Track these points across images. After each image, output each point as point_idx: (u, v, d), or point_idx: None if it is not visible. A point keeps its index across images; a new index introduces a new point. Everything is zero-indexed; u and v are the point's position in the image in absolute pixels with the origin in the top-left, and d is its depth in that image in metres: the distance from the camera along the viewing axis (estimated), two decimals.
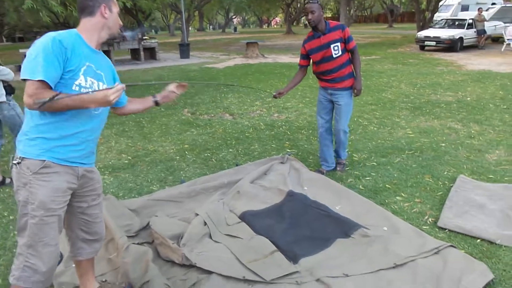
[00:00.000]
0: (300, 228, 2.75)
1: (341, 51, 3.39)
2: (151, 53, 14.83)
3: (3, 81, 3.63)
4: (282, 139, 4.83)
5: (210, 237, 2.64)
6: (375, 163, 3.94)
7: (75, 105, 1.58)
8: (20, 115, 3.74)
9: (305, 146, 4.53)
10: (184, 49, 15.02)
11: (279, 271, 2.26)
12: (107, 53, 13.95)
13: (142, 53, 14.19)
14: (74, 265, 2.39)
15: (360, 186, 3.44)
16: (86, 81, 1.67)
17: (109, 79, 1.83)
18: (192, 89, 8.26)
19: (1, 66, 3.63)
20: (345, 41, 3.40)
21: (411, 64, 11.23)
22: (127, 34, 13.84)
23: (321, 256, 2.42)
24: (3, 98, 3.61)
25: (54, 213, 1.68)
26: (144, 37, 14.44)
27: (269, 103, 6.77)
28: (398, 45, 17.34)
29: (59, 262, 2.38)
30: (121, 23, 1.84)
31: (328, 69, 3.47)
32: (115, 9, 1.78)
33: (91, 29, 1.73)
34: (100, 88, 1.72)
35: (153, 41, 14.69)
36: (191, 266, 2.32)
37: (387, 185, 3.44)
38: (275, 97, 3.57)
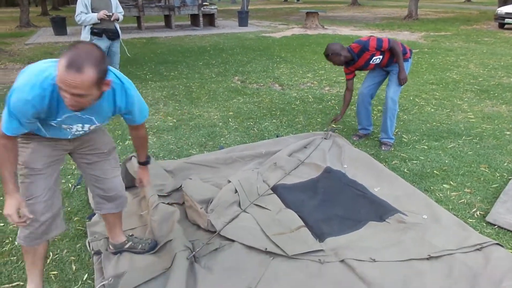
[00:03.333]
0: (332, 206, 2.64)
1: (381, 54, 3.40)
2: (210, 19, 14.85)
3: (94, 26, 4.42)
4: (329, 113, 4.64)
5: (239, 205, 2.62)
6: (425, 147, 3.66)
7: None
8: None
9: (352, 122, 4.32)
10: (243, 17, 14.84)
11: (302, 247, 2.19)
12: (167, 18, 14.20)
13: (201, 19, 14.24)
14: None
15: (405, 170, 3.22)
16: None
17: None
18: (245, 57, 8.19)
19: (86, 14, 4.31)
20: (377, 49, 3.34)
21: (486, 43, 10.20)
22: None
23: (350, 237, 2.31)
24: (86, 39, 4.40)
25: (40, 173, 1.67)
26: (204, 3, 14.44)
27: (321, 76, 6.52)
28: (474, 21, 15.79)
29: (94, 214, 2.51)
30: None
31: (381, 67, 3.57)
32: None
33: None
34: None
35: (212, 7, 14.66)
36: (215, 232, 2.33)
37: (435, 171, 3.18)
38: (334, 123, 3.93)
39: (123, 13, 4.64)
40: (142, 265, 2.09)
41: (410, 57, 3.50)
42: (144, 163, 2.04)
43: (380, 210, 2.56)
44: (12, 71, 7.24)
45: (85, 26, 4.42)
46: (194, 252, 2.12)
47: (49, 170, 1.71)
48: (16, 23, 15.30)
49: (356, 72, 3.67)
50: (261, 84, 6.03)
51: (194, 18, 14.99)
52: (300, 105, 4.97)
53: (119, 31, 4.63)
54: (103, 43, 4.51)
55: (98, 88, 1.39)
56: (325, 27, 13.92)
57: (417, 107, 4.85)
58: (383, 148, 3.60)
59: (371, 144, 3.76)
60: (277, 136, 3.90)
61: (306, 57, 8.21)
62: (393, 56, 3.42)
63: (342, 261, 2.12)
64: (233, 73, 6.78)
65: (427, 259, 2.11)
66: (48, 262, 2.15)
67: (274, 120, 4.41)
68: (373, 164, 3.20)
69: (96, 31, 4.42)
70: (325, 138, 3.70)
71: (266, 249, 2.19)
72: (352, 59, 3.45)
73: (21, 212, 1.57)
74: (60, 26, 12.22)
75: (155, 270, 2.02)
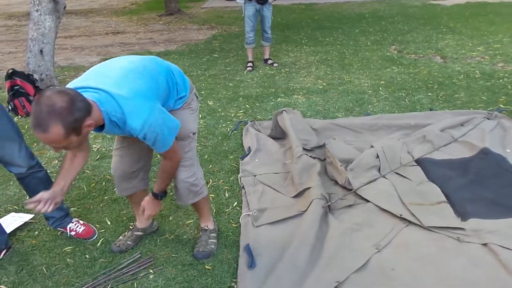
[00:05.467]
0: (483, 188, 2.42)
1: None
2: None
3: None
4: (498, 92, 4.08)
5: (379, 170, 2.63)
6: None
7: None
8: (245, 18, 4.95)
9: None
10: None
11: (441, 221, 2.12)
12: None
13: None
14: (257, 160, 2.85)
15: None
16: None
17: None
18: (405, 26, 7.64)
19: None
20: None
21: None
22: None
23: (499, 223, 2.11)
24: (241, 2, 4.90)
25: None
26: None
27: (496, 50, 5.66)
28: None
29: (246, 155, 2.88)
30: None
31: None
32: None
33: None
34: None
35: None
36: (352, 190, 2.42)
37: None
38: None
39: None
40: (281, 204, 2.36)
41: None
42: (154, 195, 1.80)
43: None
44: (191, 30, 8.36)
45: None
46: (329, 203, 2.27)
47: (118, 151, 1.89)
48: None
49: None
50: (420, 55, 5.60)
51: None
52: (463, 80, 4.49)
53: None
54: (252, 6, 4.83)
55: (75, 134, 1.32)
56: None
57: None
58: None
59: None
60: (431, 110, 3.66)
61: (480, 28, 7.18)
62: None
63: (484, 244, 1.98)
64: (390, 42, 6.44)
65: None
66: (208, 187, 2.60)
67: (429, 93, 4.12)
68: None
69: None
70: (487, 118, 3.32)
71: (401, 215, 2.20)
72: None
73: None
74: None
75: (293, 211, 2.26)
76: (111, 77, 1.45)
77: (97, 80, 1.44)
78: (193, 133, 1.84)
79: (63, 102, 1.25)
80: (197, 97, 1.89)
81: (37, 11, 4.42)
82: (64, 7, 4.73)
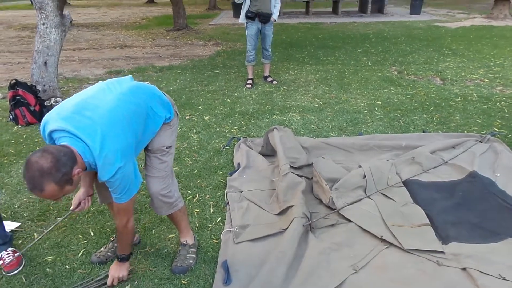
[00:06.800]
0: (467, 212, 2.41)
1: None
2: (379, 6, 14.23)
3: (249, 8, 4.87)
4: (494, 115, 4.08)
5: (365, 191, 2.64)
6: None
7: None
8: (248, 37, 5.07)
9: None
10: (416, 4, 13.71)
11: (421, 244, 2.12)
12: (335, 4, 14.21)
13: (369, 5, 13.79)
14: (244, 176, 2.86)
15: None
16: None
17: None
18: (408, 47, 7.70)
19: None
20: None
21: None
22: None
23: (480, 248, 2.10)
24: (243, 21, 4.97)
25: None
26: None
27: (496, 73, 5.67)
28: None
29: (235, 171, 2.90)
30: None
31: None
32: None
33: None
34: None
35: None
36: (335, 209, 2.43)
37: None
38: None
39: (279, 4, 4.94)
40: (264, 221, 2.37)
41: None
42: (117, 257, 1.89)
43: None
44: (196, 46, 8.51)
45: (243, 9, 4.89)
46: (310, 221, 2.28)
47: None
48: (206, 6, 17.63)
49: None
50: (420, 77, 5.63)
51: (362, 4, 14.62)
52: (460, 102, 4.50)
53: (274, 15, 4.94)
54: (255, 25, 4.94)
55: (69, 185, 1.44)
56: None
57: None
58: None
59: None
60: (423, 132, 3.67)
61: (482, 51, 7.21)
62: None
63: (463, 269, 1.97)
64: (391, 63, 6.49)
65: None
66: (194, 201, 2.63)
67: (424, 115, 4.13)
68: None
69: (250, 15, 4.85)
70: (480, 141, 3.32)
71: (381, 236, 2.19)
72: None
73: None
74: (238, 9, 13.58)
75: (274, 228, 2.27)
76: (99, 125, 1.49)
77: (85, 126, 1.48)
78: (167, 147, 1.87)
79: (49, 162, 1.36)
80: (177, 114, 1.93)
81: (43, 24, 4.56)
82: (71, 21, 4.87)
